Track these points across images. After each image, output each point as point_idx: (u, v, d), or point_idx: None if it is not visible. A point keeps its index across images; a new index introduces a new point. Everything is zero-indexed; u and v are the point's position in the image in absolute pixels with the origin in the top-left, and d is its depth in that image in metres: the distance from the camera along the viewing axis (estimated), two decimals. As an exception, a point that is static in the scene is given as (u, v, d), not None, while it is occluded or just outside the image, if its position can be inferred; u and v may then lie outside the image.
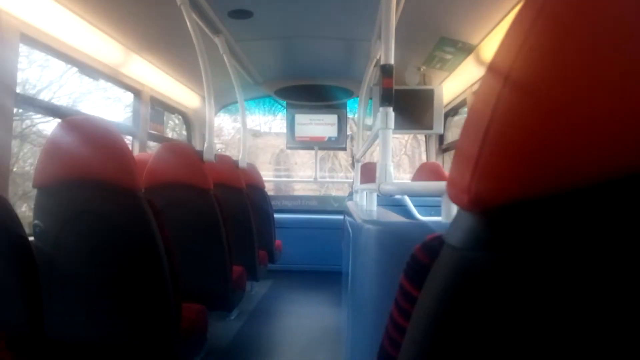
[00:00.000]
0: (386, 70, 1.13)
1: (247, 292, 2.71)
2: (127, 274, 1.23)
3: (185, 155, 1.82)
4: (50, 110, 2.02)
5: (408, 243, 0.90)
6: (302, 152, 4.81)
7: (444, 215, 0.97)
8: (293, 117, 3.93)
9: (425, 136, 3.51)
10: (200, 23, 2.15)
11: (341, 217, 3.04)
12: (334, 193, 4.72)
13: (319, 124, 3.91)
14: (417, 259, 0.34)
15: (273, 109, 4.47)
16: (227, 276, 1.91)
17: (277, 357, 2.05)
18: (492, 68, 0.26)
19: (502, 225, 0.24)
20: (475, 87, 2.51)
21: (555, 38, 0.21)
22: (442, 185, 0.97)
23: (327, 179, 4.68)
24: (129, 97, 2.76)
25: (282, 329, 2.44)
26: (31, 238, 1.26)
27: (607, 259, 0.19)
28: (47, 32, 1.77)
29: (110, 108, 5.88)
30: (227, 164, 2.54)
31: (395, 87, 1.18)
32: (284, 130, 3.94)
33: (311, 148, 4.01)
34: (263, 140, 7.89)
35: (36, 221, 1.25)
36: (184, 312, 1.34)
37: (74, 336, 1.26)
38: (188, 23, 1.88)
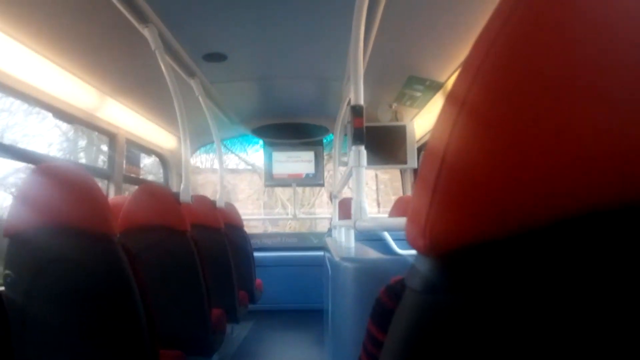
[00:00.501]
0: (356, 111, 1.17)
1: (228, 335, 2.63)
2: (102, 321, 1.19)
3: (162, 197, 1.81)
4: (25, 156, 2.00)
5: (387, 280, 0.91)
6: (244, 187, 4.82)
7: None
8: (270, 155, 3.96)
9: (401, 171, 3.57)
10: (175, 67, 2.19)
11: (321, 253, 3.02)
12: (270, 229, 4.71)
13: (296, 161, 3.95)
14: (382, 303, 0.35)
15: (249, 146, 4.48)
16: (205, 319, 1.87)
17: None
18: (445, 104, 0.26)
19: (459, 268, 0.24)
20: None
21: (505, 72, 0.21)
22: None
23: (308, 215, 4.67)
24: (54, 134, 2.68)
25: None
26: (1, 288, 1.22)
27: (565, 298, 0.19)
28: (20, 78, 1.77)
29: (30, 145, 5.61)
30: (205, 205, 2.52)
31: (368, 123, 1.22)
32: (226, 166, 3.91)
33: (289, 185, 4.03)
34: (203, 177, 7.91)
35: (7, 271, 1.21)
36: (162, 359, 1.30)
37: None
38: (162, 67, 1.92)
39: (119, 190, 2.71)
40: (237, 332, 3.12)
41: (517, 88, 0.21)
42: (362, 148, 1.14)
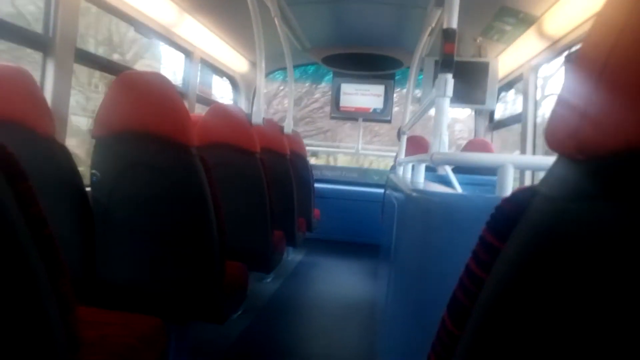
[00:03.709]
0: (448, 35, 1.08)
1: (285, 257, 2.76)
2: (177, 225, 1.27)
3: (235, 118, 1.84)
4: (106, 66, 2.08)
5: (457, 215, 0.87)
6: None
7: (499, 190, 0.94)
8: (339, 86, 3.88)
9: (475, 111, 3.39)
10: None
11: (381, 190, 3.02)
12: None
13: (365, 95, 3.85)
14: (503, 211, 0.33)
15: (318, 76, 4.40)
16: (268, 238, 1.95)
17: (311, 320, 2.10)
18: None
19: (611, 175, 0.22)
20: (535, 62, 2.37)
21: None
22: (501, 157, 0.94)
23: (371, 151, 4.62)
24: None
25: (317, 294, 2.49)
26: (88, 189, 1.32)
27: None
28: None
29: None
30: (274, 130, 2.55)
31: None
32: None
33: (355, 119, 3.96)
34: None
35: (93, 170, 1.30)
36: (227, 268, 1.38)
37: (124, 280, 1.33)
38: None
39: (192, 108, 2.80)
40: (293, 255, 3.26)
41: None
42: (450, 77, 1.06)
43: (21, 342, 0.55)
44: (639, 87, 0.20)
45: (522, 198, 0.32)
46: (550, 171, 0.29)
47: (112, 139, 1.26)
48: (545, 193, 0.28)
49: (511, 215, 0.32)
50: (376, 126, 6.46)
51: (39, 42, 1.55)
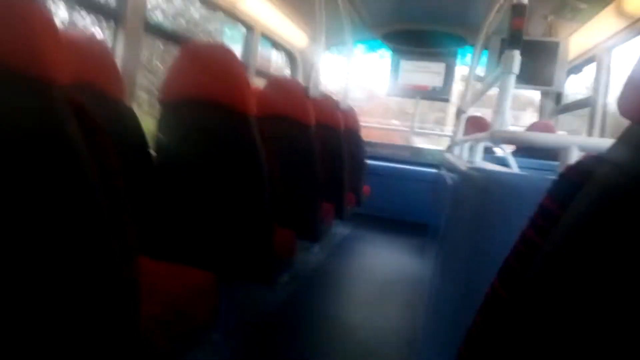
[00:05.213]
0: (518, 10, 1.04)
1: (332, 230, 2.81)
2: (233, 188, 1.33)
3: (293, 90, 1.87)
4: (173, 36, 2.17)
5: (515, 195, 0.85)
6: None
7: None
8: (398, 63, 3.80)
9: (542, 93, 3.22)
10: None
11: (432, 170, 2.96)
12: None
13: (424, 72, 3.74)
14: (567, 178, 0.33)
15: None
16: (316, 208, 1.99)
17: (355, 291, 2.14)
18: None
19: None
20: (610, 43, 2.21)
21: None
22: (566, 138, 0.90)
23: (427, 130, 4.53)
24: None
25: (362, 267, 2.52)
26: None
27: None
28: None
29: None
30: (330, 104, 2.56)
31: None
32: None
33: (413, 97, 3.88)
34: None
35: (157, 133, 1.38)
36: (277, 233, 1.43)
37: (178, 233, 1.40)
38: None
39: (251, 81, 2.86)
40: (341, 229, 3.30)
41: None
42: (517, 53, 1.02)
43: (89, 280, 0.60)
44: None
45: (588, 165, 0.31)
46: (621, 139, 0.28)
47: (177, 105, 1.33)
48: (614, 160, 0.28)
49: (575, 182, 0.31)
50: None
51: (111, 12, 1.65)
